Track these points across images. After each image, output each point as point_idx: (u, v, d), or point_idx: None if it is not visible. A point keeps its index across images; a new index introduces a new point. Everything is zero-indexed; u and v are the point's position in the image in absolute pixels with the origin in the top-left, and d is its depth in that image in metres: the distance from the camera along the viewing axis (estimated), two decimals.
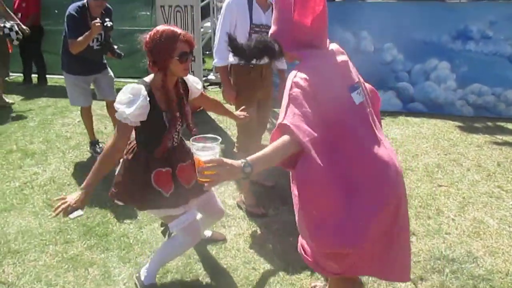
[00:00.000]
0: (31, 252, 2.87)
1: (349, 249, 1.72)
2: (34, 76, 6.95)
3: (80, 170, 3.97)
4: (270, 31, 1.81)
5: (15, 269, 2.72)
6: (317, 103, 1.65)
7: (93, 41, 4.01)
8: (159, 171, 2.23)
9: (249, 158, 1.49)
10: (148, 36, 2.09)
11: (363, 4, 5.96)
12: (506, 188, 3.67)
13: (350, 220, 1.70)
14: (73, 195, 2.01)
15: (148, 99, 2.08)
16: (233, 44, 1.77)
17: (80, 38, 3.81)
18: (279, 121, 1.64)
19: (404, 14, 5.63)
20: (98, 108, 5.32)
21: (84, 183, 2.07)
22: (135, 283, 2.54)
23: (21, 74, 6.95)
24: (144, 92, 2.08)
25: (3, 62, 5.74)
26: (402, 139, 4.74)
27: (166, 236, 2.47)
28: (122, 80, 7.03)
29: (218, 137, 1.59)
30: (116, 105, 2.08)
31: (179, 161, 2.30)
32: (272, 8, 3.48)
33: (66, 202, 1.97)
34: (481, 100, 5.68)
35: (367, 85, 2.02)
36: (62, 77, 6.87)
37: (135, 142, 2.30)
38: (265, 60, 1.79)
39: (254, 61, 1.80)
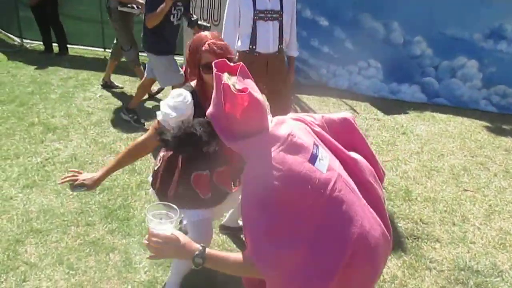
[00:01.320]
0: (53, 233, 2.88)
1: None
2: (55, 45, 6.88)
3: (102, 148, 3.95)
4: (208, 111, 1.49)
5: (38, 249, 2.73)
6: (289, 210, 1.39)
7: (173, 17, 4.03)
8: (198, 174, 2.20)
9: (208, 251, 1.41)
10: None
11: None
12: None
13: None
14: (89, 174, 2.03)
15: (192, 103, 2.04)
16: (161, 137, 1.50)
17: (156, 11, 3.85)
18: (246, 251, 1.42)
19: (437, 6, 5.43)
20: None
21: (104, 168, 2.09)
22: None
23: (41, 42, 6.88)
24: (189, 97, 2.04)
25: (127, 40, 5.16)
26: (428, 136, 4.62)
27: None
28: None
29: (176, 209, 1.45)
30: (161, 107, 2.04)
31: (217, 166, 2.24)
32: None
33: (77, 177, 2.00)
34: (505, 101, 5.55)
35: (335, 118, 1.75)
36: (83, 47, 6.93)
37: None
38: (189, 150, 1.48)
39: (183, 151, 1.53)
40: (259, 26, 3.38)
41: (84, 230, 2.92)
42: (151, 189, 2.37)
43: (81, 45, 7.05)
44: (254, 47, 3.41)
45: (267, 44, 3.35)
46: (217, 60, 1.49)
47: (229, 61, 1.53)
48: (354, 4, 5.61)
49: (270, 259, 1.39)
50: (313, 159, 1.45)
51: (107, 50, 6.58)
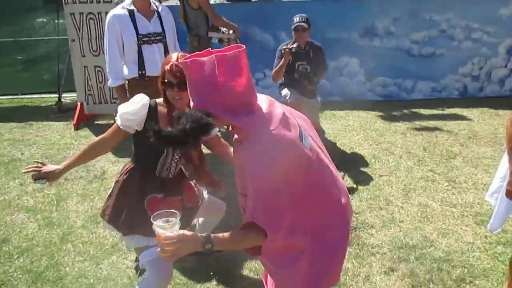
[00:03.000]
0: None
1: None
2: None
3: None
4: (192, 104, 1.48)
5: None
6: (288, 183, 1.51)
7: None
8: (154, 198, 2.14)
9: (212, 235, 1.50)
10: None
11: (279, 4, 6.08)
12: (437, 171, 4.03)
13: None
14: (52, 167, 2.11)
15: (147, 108, 2.06)
16: (161, 135, 1.40)
17: None
18: (248, 216, 1.53)
19: (317, 13, 5.84)
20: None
21: (65, 162, 2.18)
22: None
23: None
24: (146, 101, 2.07)
25: None
26: (334, 133, 4.94)
27: (138, 273, 2.29)
28: (26, 96, 6.38)
29: (177, 212, 1.56)
30: (118, 107, 2.12)
31: (171, 194, 2.14)
32: (158, 15, 3.54)
33: (40, 168, 2.08)
34: (387, 90, 6.23)
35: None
36: None
37: (131, 164, 2.23)
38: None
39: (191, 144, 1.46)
40: (144, 50, 3.36)
41: None
42: (103, 220, 2.26)
43: None
44: (143, 72, 3.37)
45: (156, 66, 3.24)
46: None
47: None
48: (244, 18, 5.78)
49: (271, 218, 1.51)
50: (301, 136, 1.58)
51: None
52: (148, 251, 2.14)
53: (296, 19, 4.32)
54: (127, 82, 3.46)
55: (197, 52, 1.51)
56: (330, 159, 1.81)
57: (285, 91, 4.44)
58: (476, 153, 4.38)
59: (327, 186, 1.69)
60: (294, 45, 4.29)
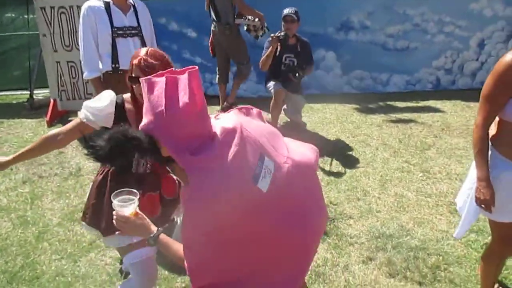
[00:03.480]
0: None
1: None
2: None
3: None
4: (142, 124, 1.33)
5: None
6: (223, 242, 1.40)
7: None
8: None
9: (160, 237, 1.52)
10: None
11: None
12: (412, 162, 4.11)
13: None
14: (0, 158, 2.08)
15: (114, 105, 2.00)
16: (87, 146, 1.34)
17: None
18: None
19: (295, 7, 5.87)
20: None
21: (15, 154, 2.12)
22: None
23: None
24: (113, 98, 2.01)
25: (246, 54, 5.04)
26: (312, 126, 4.98)
27: (123, 276, 2.26)
28: None
29: (137, 192, 1.60)
30: (84, 102, 2.04)
31: (150, 190, 2.10)
32: (135, 9, 3.52)
33: None
34: (363, 83, 6.33)
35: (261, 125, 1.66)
36: None
37: None
38: (132, 160, 1.34)
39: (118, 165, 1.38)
40: (119, 43, 3.34)
41: None
42: (84, 223, 2.18)
43: None
44: (117, 65, 3.34)
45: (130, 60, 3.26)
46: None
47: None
48: None
49: (200, 277, 1.44)
50: (255, 177, 1.39)
51: None
52: (132, 253, 2.09)
53: (286, 10, 4.49)
54: (101, 75, 3.41)
55: (159, 72, 1.37)
56: (314, 177, 1.70)
57: (270, 84, 4.55)
58: (449, 144, 4.49)
59: (282, 234, 1.49)
60: (282, 33, 4.41)
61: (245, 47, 4.99)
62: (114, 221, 1.55)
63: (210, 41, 5.04)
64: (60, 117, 5.23)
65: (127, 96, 2.07)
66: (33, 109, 5.58)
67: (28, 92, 5.80)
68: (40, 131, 4.86)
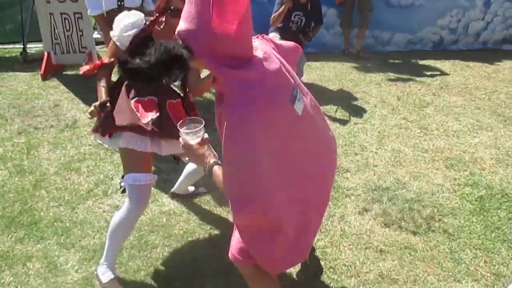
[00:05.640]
0: None
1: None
2: None
3: None
4: (178, 28, 1.31)
5: None
6: (266, 154, 1.40)
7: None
8: (140, 100, 2.09)
9: (213, 169, 1.52)
10: None
11: None
12: (410, 119, 4.10)
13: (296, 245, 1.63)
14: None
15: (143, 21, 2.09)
16: (125, 67, 1.32)
17: None
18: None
19: None
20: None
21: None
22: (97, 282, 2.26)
23: None
24: (143, 23, 2.08)
25: None
26: (309, 84, 4.93)
27: (121, 190, 2.28)
28: None
29: (202, 120, 1.62)
30: (114, 25, 2.09)
31: (167, 98, 2.16)
32: None
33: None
34: (363, 43, 6.16)
35: (288, 45, 1.73)
36: None
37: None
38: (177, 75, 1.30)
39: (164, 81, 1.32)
40: None
41: None
42: (93, 135, 2.24)
43: None
44: (122, 3, 3.26)
45: None
46: None
47: None
48: None
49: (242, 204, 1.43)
50: (293, 98, 1.44)
51: None
52: (135, 174, 2.14)
53: None
54: (105, 14, 3.31)
55: None
56: (323, 118, 1.71)
57: (273, 34, 4.40)
58: (448, 102, 4.47)
59: (308, 158, 1.55)
60: None
61: None
62: (182, 147, 1.62)
63: None
64: (55, 70, 5.13)
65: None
66: (26, 62, 5.45)
67: (21, 46, 5.66)
68: (35, 84, 4.77)
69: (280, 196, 1.46)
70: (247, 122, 1.33)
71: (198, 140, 1.59)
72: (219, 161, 1.54)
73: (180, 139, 1.61)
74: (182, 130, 1.59)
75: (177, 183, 2.87)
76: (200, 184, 2.94)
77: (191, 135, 1.58)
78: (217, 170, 1.51)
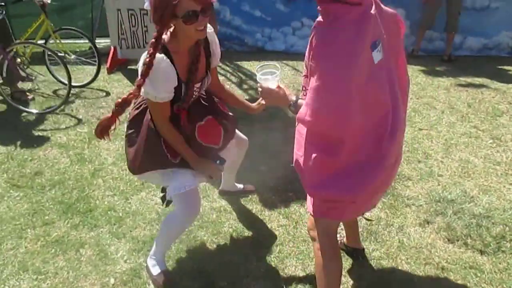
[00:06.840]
0: (7, 240, 2.52)
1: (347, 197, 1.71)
2: None
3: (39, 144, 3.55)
4: None
5: None
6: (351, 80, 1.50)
7: None
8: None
9: (299, 101, 1.67)
10: None
11: None
12: (481, 128, 3.78)
13: (357, 173, 1.65)
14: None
15: (171, 66, 1.83)
16: None
17: None
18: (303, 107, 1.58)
19: None
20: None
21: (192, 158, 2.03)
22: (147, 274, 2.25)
23: None
24: (165, 62, 1.81)
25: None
26: None
27: (165, 204, 2.24)
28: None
29: (279, 66, 1.79)
30: (143, 81, 1.80)
31: (197, 120, 2.04)
32: None
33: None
34: (431, 45, 5.90)
35: (389, 11, 1.70)
36: None
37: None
38: None
39: None
40: None
41: (43, 231, 2.59)
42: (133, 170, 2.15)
43: None
44: None
45: None
46: None
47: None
48: None
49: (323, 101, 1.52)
50: (374, 45, 1.53)
51: None
52: (176, 184, 2.04)
53: None
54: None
55: None
56: (402, 87, 1.76)
57: None
58: None
59: (380, 108, 1.61)
60: None
61: None
62: (259, 92, 1.78)
63: None
64: (120, 65, 5.31)
65: (168, 39, 1.84)
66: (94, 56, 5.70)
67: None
68: (100, 77, 4.95)
69: (358, 119, 1.55)
70: (345, 36, 1.47)
71: (276, 84, 1.73)
72: (298, 96, 1.70)
73: (258, 84, 1.75)
74: (263, 77, 1.72)
75: (222, 180, 2.82)
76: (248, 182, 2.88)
77: (271, 80, 1.71)
78: (299, 102, 1.66)
